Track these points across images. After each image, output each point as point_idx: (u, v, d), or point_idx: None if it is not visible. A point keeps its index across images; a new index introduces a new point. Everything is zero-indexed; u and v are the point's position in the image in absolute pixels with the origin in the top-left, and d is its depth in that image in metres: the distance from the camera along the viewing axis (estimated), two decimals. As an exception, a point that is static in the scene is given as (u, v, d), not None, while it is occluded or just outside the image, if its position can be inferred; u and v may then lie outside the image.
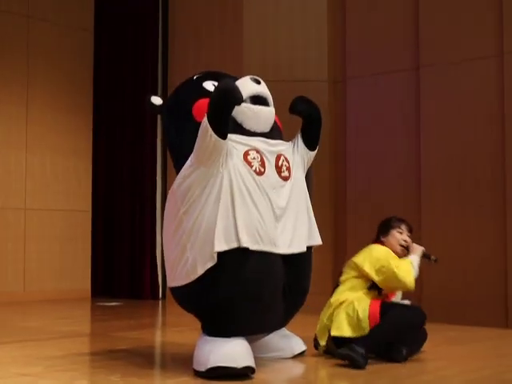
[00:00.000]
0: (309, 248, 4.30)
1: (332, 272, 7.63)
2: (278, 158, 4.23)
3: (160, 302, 8.91)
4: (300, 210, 4.29)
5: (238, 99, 3.95)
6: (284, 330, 4.66)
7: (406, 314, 4.58)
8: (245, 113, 4.14)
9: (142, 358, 4.68)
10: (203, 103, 4.06)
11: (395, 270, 4.62)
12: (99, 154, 9.57)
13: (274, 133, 4.31)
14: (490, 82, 7.04)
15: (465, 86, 7.15)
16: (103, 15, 9.67)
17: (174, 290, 4.22)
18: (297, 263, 4.22)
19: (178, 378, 3.95)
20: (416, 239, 5.10)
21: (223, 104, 3.93)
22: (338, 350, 4.44)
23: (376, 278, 4.68)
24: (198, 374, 3.92)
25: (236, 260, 3.92)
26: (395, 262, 4.68)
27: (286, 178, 4.22)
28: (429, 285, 6.75)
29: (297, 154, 4.42)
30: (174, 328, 6.08)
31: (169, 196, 4.22)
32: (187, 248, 4.00)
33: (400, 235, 4.90)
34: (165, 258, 4.36)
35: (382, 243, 4.89)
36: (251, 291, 3.93)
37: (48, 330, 6.19)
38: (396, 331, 4.49)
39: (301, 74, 8.05)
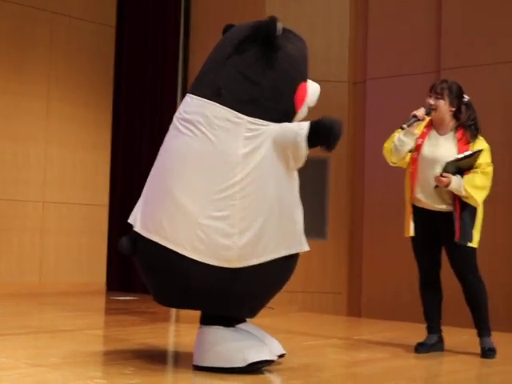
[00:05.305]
0: None
1: (348, 273, 7.62)
2: None
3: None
4: None
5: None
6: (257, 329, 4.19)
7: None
8: None
9: (156, 352, 4.68)
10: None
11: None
12: (118, 147, 9.60)
13: None
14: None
15: (486, 89, 7.11)
16: (125, 11, 9.71)
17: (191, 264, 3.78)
18: None
19: (190, 372, 3.92)
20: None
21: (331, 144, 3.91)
22: None
23: None
24: (233, 371, 3.78)
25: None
26: None
27: None
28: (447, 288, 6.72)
29: None
30: (188, 323, 6.08)
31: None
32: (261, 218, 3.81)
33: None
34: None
35: None
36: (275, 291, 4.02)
37: (62, 322, 6.22)
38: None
39: (321, 75, 8.00)
